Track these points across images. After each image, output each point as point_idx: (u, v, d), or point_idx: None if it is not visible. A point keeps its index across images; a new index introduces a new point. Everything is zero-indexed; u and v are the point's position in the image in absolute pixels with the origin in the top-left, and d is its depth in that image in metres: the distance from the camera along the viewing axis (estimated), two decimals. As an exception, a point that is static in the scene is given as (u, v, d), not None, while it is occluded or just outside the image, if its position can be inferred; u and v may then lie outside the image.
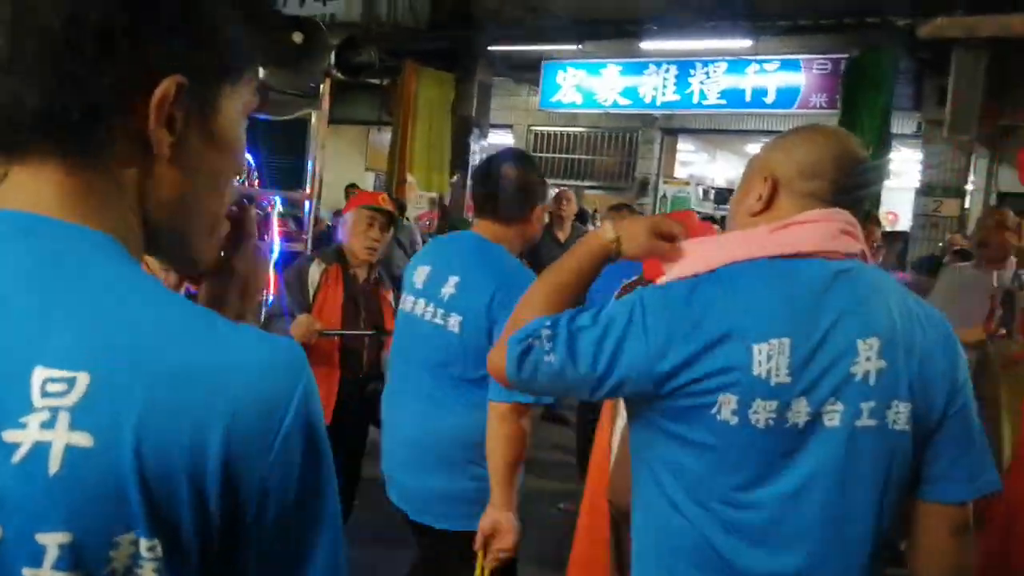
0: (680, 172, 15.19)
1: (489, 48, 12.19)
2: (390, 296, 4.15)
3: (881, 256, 6.63)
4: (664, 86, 12.03)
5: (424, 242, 11.35)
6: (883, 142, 9.40)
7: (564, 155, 15.64)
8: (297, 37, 3.96)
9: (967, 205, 10.29)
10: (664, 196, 14.35)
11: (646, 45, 11.29)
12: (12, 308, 0.76)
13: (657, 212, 14.14)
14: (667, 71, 11.95)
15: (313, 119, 19.39)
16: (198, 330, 0.80)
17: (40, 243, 0.79)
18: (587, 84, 12.77)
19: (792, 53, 10.95)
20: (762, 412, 1.52)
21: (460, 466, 2.74)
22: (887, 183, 9.90)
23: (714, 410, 1.53)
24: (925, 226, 9.54)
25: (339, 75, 4.36)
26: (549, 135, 15.69)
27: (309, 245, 4.61)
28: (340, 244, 4.08)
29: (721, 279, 1.62)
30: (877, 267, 1.68)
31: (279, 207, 4.64)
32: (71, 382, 0.74)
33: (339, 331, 3.88)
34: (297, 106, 4.69)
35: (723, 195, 15.81)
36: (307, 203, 4.87)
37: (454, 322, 2.70)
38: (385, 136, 15.10)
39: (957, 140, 9.11)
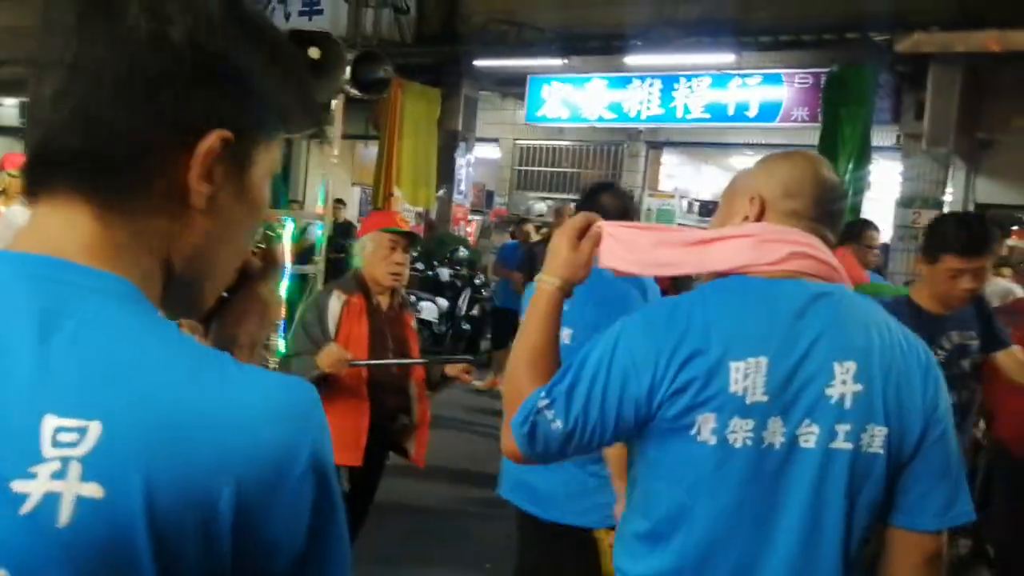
0: (665, 185, 15.29)
1: (475, 63, 12.30)
2: (413, 321, 3.93)
3: (878, 260, 6.71)
4: (649, 100, 12.17)
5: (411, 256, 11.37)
6: (863, 155, 9.54)
7: (550, 168, 15.73)
8: (314, 53, 3.79)
9: (945, 216, 10.42)
10: (649, 209, 14.45)
11: (630, 60, 11.42)
12: (21, 355, 0.75)
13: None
14: (651, 85, 12.08)
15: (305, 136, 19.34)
16: (211, 378, 0.78)
17: (56, 288, 0.79)
18: (573, 98, 12.89)
19: (775, 67, 11.10)
20: (739, 431, 1.55)
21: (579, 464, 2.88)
22: (867, 195, 10.01)
23: (693, 431, 1.56)
24: (904, 237, 9.68)
25: (354, 91, 4.24)
26: (535, 149, 15.79)
27: (321, 268, 4.47)
28: (357, 270, 3.76)
29: (703, 297, 1.67)
30: (854, 294, 1.74)
31: (289, 229, 4.52)
32: (82, 431, 0.72)
33: (372, 361, 3.59)
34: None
35: (708, 207, 15.91)
36: (317, 224, 4.65)
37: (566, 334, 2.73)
38: (371, 150, 15.17)
39: (935, 152, 9.26)
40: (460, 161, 13.30)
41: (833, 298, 1.65)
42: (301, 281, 4.42)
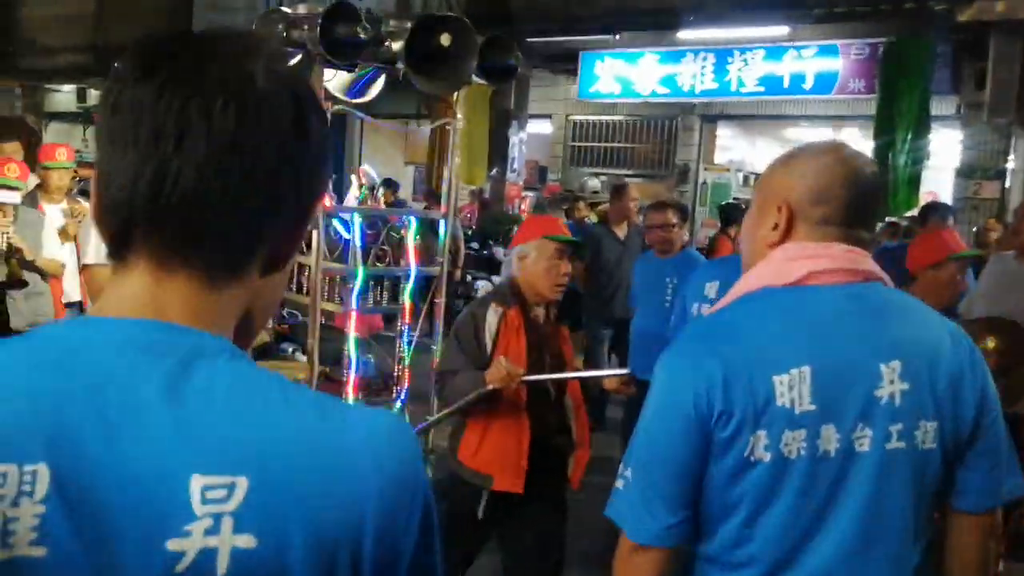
0: (720, 158, 15.14)
1: (526, 40, 12.26)
2: (567, 333, 3.68)
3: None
4: (702, 74, 12.06)
5: (465, 236, 11.48)
6: (922, 125, 9.35)
7: (603, 144, 15.65)
8: (444, 39, 3.61)
9: (1007, 186, 10.23)
10: (704, 183, 14.35)
11: (683, 34, 11.32)
12: (156, 419, 0.79)
13: (698, 199, 14.16)
14: (705, 59, 11.97)
15: (359, 118, 19.32)
16: (335, 422, 0.85)
17: (174, 351, 0.83)
18: (625, 73, 12.82)
19: (829, 39, 10.92)
20: (793, 443, 1.55)
21: None
22: (926, 164, 9.82)
23: (747, 451, 1.56)
24: (965, 208, 9.51)
25: (480, 80, 4.02)
26: (587, 124, 15.72)
27: (445, 268, 4.30)
28: (512, 279, 3.48)
29: (734, 314, 1.67)
30: (891, 288, 1.71)
31: (414, 227, 4.36)
32: (231, 487, 0.77)
33: (543, 376, 3.34)
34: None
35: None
36: (442, 222, 4.39)
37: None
38: (424, 130, 15.21)
39: (996, 123, 9.06)
40: (513, 139, 13.30)
41: (867, 298, 1.63)
42: (425, 283, 4.27)
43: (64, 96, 19.60)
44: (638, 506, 1.63)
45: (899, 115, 9.31)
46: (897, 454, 1.58)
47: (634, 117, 15.01)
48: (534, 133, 14.99)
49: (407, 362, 4.14)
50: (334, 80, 4.10)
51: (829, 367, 1.56)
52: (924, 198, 11.04)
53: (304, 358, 4.36)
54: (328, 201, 3.78)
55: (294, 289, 4.28)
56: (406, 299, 4.19)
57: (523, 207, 14.32)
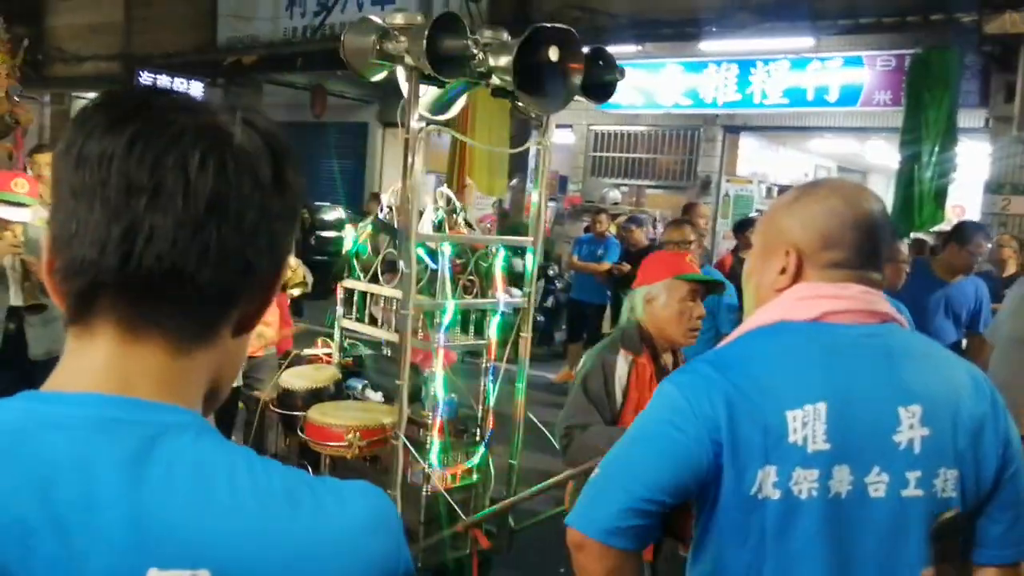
0: (743, 169, 15.00)
1: (547, 51, 12.18)
2: None
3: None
4: (725, 85, 11.94)
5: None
6: (948, 139, 9.20)
7: (624, 154, 15.55)
8: (553, 53, 3.29)
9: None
10: (727, 195, 14.21)
11: (705, 45, 11.21)
12: (112, 512, 0.74)
13: (719, 211, 14.02)
14: (728, 70, 11.85)
15: (372, 123, 19.24)
16: (306, 502, 0.81)
17: (137, 431, 0.79)
18: (647, 84, 12.71)
19: (855, 50, 10.78)
20: (804, 482, 1.49)
21: None
22: (954, 177, 9.66)
23: (755, 488, 1.50)
24: (993, 224, 9.33)
25: (584, 98, 3.62)
26: (609, 134, 15.63)
27: (533, 300, 3.97)
28: (639, 324, 3.24)
29: (747, 345, 1.62)
30: (910, 331, 1.67)
31: (502, 255, 3.96)
32: None
33: None
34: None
35: (785, 192, 15.57)
36: (528, 248, 3.97)
37: None
38: (444, 138, 15.19)
39: (1026, 137, 8.91)
40: (532, 149, 13.22)
41: (885, 339, 1.59)
42: (513, 315, 3.97)
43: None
44: (592, 498, 1.62)
45: (925, 128, 9.16)
46: (914, 502, 1.52)
47: (656, 127, 14.90)
48: (556, 143, 14.90)
49: (492, 402, 3.85)
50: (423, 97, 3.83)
51: (846, 406, 1.50)
52: (951, 212, 10.89)
53: (375, 395, 4.16)
54: (418, 229, 3.46)
55: (366, 321, 4.06)
56: (492, 333, 3.91)
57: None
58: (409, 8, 12.73)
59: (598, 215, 10.32)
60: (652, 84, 12.67)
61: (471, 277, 3.98)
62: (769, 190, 15.20)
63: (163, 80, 16.44)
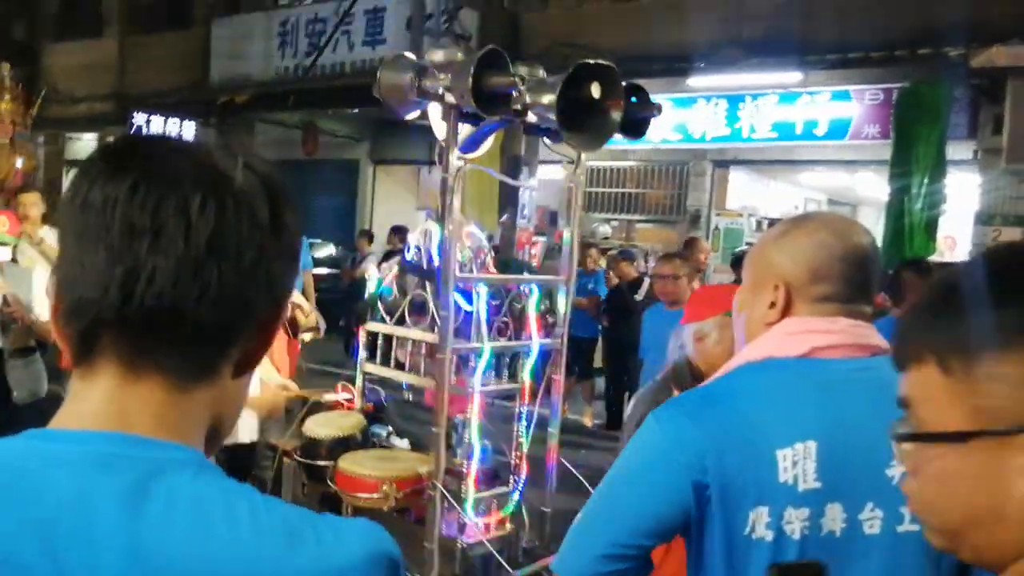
0: (732, 203, 15.05)
1: (537, 88, 12.24)
2: None
3: None
4: (714, 120, 12.01)
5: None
6: (938, 171, 9.25)
7: (614, 189, 15.60)
8: (595, 90, 3.21)
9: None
10: (717, 228, 14.25)
11: (694, 81, 11.29)
12: (111, 550, 0.75)
13: (710, 245, 14.04)
14: (716, 105, 11.92)
15: (362, 160, 19.28)
16: (306, 539, 0.81)
17: (133, 467, 0.79)
18: (636, 120, 12.75)
19: (842, 84, 10.87)
20: (796, 522, 1.47)
21: None
22: (944, 209, 9.70)
23: (747, 529, 1.48)
24: (984, 256, 9.35)
25: (619, 136, 3.49)
26: (599, 169, 15.68)
27: (566, 341, 3.86)
28: (690, 362, 3.20)
29: (735, 383, 1.60)
30: None
31: (536, 295, 3.84)
32: None
33: None
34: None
35: (775, 225, 15.60)
36: (559, 288, 3.84)
37: None
38: (436, 174, 15.20)
39: (1015, 169, 8.96)
40: (532, 185, 13.27)
41: (877, 372, 1.54)
42: (545, 357, 3.85)
43: (85, 144, 19.76)
44: (573, 544, 1.60)
45: (915, 161, 9.22)
46: (910, 538, 1.49)
47: (645, 162, 14.96)
48: (546, 179, 14.96)
49: (526, 448, 3.72)
50: (441, 130, 3.69)
51: (836, 443, 1.49)
52: (942, 244, 10.93)
53: (401, 442, 4.04)
54: (454, 271, 3.33)
55: (391, 364, 3.88)
56: (526, 376, 3.78)
57: (534, 252, 14.23)
58: (400, 51, 12.80)
59: (588, 250, 10.33)
60: (642, 119, 12.71)
61: (505, 318, 3.85)
62: (759, 223, 15.25)
63: (156, 120, 16.48)
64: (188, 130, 17.13)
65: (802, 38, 9.89)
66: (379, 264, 4.85)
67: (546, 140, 3.53)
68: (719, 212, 14.36)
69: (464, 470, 3.52)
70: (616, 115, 3.30)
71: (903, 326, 0.97)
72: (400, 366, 3.87)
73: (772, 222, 15.51)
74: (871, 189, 16.00)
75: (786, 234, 1.68)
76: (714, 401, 1.59)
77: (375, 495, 3.41)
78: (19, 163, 9.73)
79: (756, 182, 16.30)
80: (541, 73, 3.30)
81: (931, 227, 9.31)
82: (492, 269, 3.89)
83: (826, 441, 1.49)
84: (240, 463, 4.10)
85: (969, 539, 0.89)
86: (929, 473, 0.92)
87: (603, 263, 10.68)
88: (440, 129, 3.40)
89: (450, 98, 3.19)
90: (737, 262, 9.47)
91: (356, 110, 16.41)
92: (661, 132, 12.58)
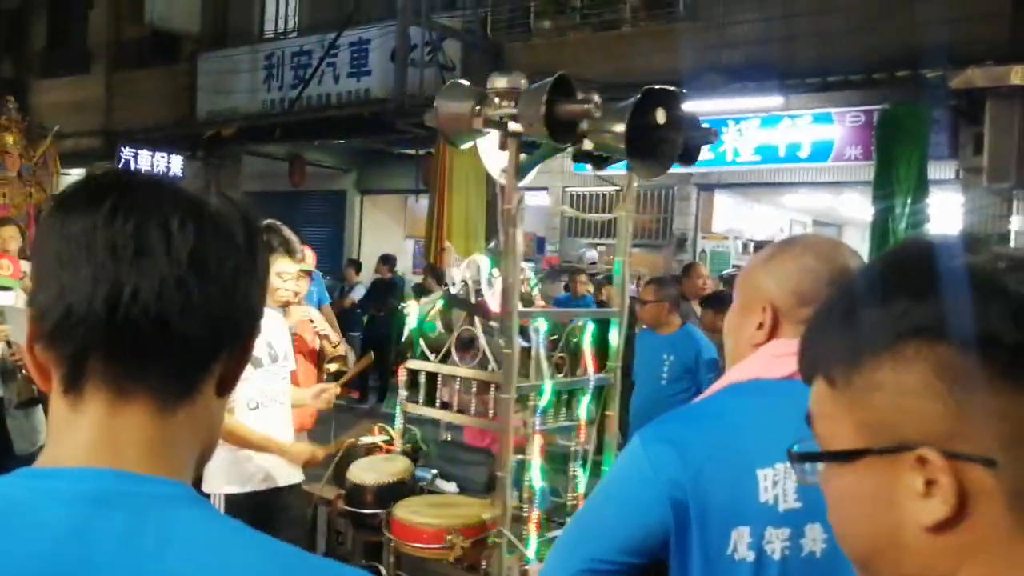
0: (718, 226, 15.12)
1: (522, 116, 12.30)
2: None
3: None
4: (698, 145, 12.05)
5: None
6: (920, 191, 9.32)
7: (599, 215, 15.64)
8: (660, 116, 3.15)
9: (1011, 250, 10.15)
10: (703, 252, 14.30)
11: (676, 107, 11.37)
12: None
13: (697, 268, 14.10)
14: (700, 130, 11.97)
15: (349, 191, 19.25)
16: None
17: (127, 503, 0.80)
18: (620, 146, 12.80)
19: (824, 106, 10.97)
20: (776, 541, 1.48)
21: None
22: (928, 228, 9.76)
23: (729, 549, 1.49)
24: (969, 275, 9.40)
25: (677, 168, 3.44)
26: (584, 196, 15.74)
27: (619, 376, 3.75)
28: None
29: (719, 403, 1.63)
30: None
31: (591, 329, 3.73)
32: None
33: None
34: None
35: (762, 248, 15.67)
36: (612, 322, 3.73)
37: None
38: (422, 204, 15.27)
39: (997, 188, 9.04)
40: (568, 213, 13.32)
41: None
42: (598, 393, 3.70)
43: (73, 180, 19.73)
44: (554, 560, 1.61)
45: (897, 182, 9.29)
46: None
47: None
48: (531, 206, 15.00)
49: (583, 488, 3.59)
50: (491, 160, 3.58)
51: None
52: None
53: (449, 486, 3.85)
54: (517, 306, 3.19)
55: (437, 405, 3.72)
56: (582, 413, 3.67)
57: (521, 278, 14.22)
58: (386, 82, 12.87)
59: (578, 276, 10.37)
60: (626, 145, 12.75)
61: (561, 354, 3.73)
62: (745, 246, 15.33)
63: (144, 154, 16.51)
64: (175, 164, 17.15)
65: (783, 63, 10.00)
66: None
67: (590, 167, 3.45)
68: (705, 235, 14.41)
69: (525, 514, 3.38)
70: (679, 141, 3.24)
71: (802, 338, 0.92)
72: (445, 406, 3.72)
73: (758, 244, 15.60)
74: (855, 210, 16.10)
75: (773, 257, 1.71)
76: (697, 421, 1.61)
77: (438, 545, 3.24)
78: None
79: (741, 205, 16.38)
80: (595, 99, 3.19)
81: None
82: (542, 303, 3.76)
83: None
84: (276, 507, 3.84)
85: (877, 569, 0.82)
86: (829, 496, 0.86)
87: (591, 288, 10.71)
88: (495, 158, 3.29)
89: (515, 126, 3.09)
90: (727, 284, 9.57)
91: (342, 141, 16.48)
92: (646, 158, 12.61)
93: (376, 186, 19.03)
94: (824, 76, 9.71)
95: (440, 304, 3.87)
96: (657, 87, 3.14)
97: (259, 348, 3.46)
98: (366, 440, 4.15)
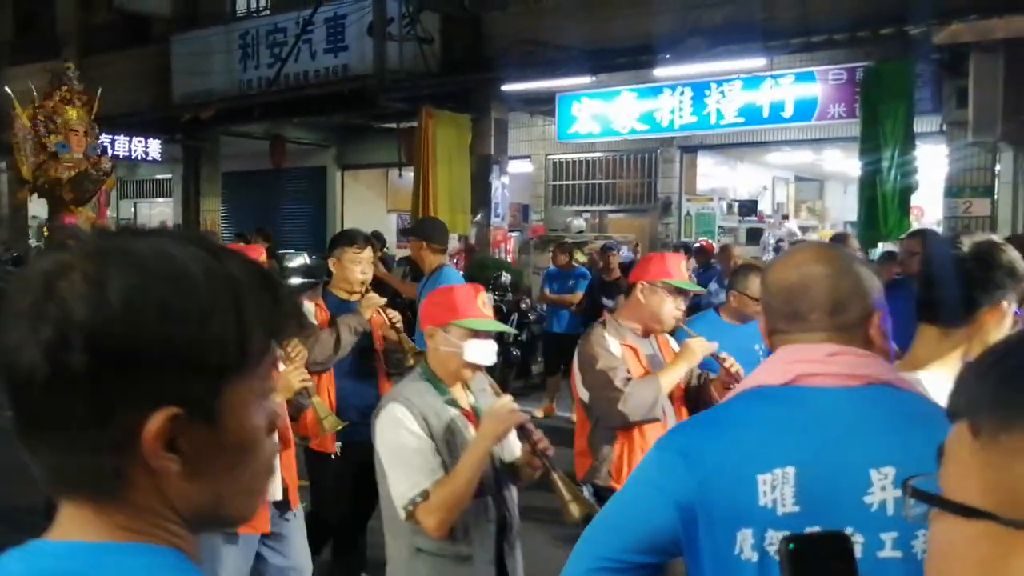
0: (702, 187, 15.13)
1: (503, 87, 12.23)
2: None
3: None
4: (681, 108, 12.03)
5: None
6: (907, 145, 9.32)
7: (584, 181, 15.64)
8: None
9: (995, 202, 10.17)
10: (688, 214, 14.31)
11: (659, 71, 11.32)
12: None
13: (682, 231, 14.12)
14: (683, 93, 11.94)
15: (330, 167, 19.16)
16: None
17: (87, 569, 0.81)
18: (603, 112, 12.76)
19: (806, 66, 10.94)
20: (777, 543, 1.51)
21: None
22: (917, 181, 9.76)
23: (736, 550, 1.54)
24: (956, 228, 9.45)
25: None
26: (567, 162, 15.71)
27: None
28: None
29: (727, 411, 1.69)
30: (906, 391, 1.66)
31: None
32: None
33: None
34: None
35: (747, 207, 15.72)
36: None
37: None
38: (406, 177, 15.19)
39: (981, 141, 9.05)
40: (495, 184, 13.25)
41: (866, 401, 1.60)
42: None
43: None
44: (573, 557, 1.69)
45: (883, 138, 9.30)
46: (891, 564, 1.52)
47: (613, 152, 15.00)
48: (515, 174, 14.96)
49: None
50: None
51: (814, 469, 1.54)
52: (912, 213, 11.00)
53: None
54: None
55: None
56: None
57: (508, 247, 14.23)
58: (364, 57, 12.74)
59: (565, 249, 10.34)
60: (608, 112, 12.72)
61: None
62: (730, 207, 15.35)
63: (121, 139, 16.33)
64: (153, 148, 16.99)
65: (764, 23, 9.95)
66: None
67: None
68: (689, 198, 14.42)
69: None
70: None
71: (961, 372, 0.85)
72: None
73: (742, 204, 15.63)
74: (837, 164, 16.17)
75: (772, 267, 1.81)
76: (707, 427, 1.68)
77: None
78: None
79: (723, 164, 16.41)
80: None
81: (904, 201, 9.38)
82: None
83: (805, 467, 1.53)
84: None
85: None
86: (934, 543, 0.81)
87: (581, 257, 10.70)
88: None
89: None
90: (698, 253, 9.75)
91: (323, 118, 16.37)
92: (628, 123, 12.59)
93: (356, 161, 18.93)
94: (807, 35, 9.67)
95: None
96: None
97: None
98: None
